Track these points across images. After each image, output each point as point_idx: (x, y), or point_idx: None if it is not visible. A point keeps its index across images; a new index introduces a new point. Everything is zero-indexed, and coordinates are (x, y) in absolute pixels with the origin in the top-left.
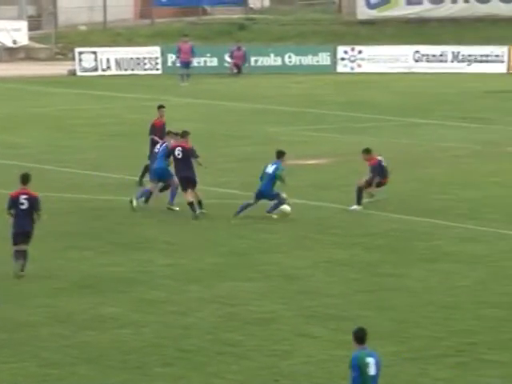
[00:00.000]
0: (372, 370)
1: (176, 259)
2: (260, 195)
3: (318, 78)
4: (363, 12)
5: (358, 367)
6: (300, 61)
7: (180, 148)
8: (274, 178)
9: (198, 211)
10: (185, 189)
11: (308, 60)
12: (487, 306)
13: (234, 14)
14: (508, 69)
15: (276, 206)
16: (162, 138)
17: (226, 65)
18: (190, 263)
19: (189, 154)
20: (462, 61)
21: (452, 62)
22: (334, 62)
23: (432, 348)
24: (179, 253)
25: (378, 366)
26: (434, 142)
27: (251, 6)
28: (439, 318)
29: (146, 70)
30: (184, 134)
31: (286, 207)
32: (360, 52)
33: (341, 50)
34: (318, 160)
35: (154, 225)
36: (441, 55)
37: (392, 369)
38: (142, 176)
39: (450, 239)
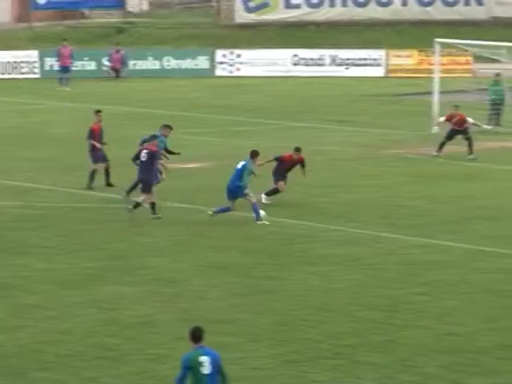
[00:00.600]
0: (206, 369)
1: (54, 263)
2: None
3: (196, 82)
4: (242, 16)
5: (188, 368)
6: (178, 64)
7: (146, 150)
8: (240, 174)
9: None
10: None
11: (187, 64)
12: (363, 309)
13: (113, 18)
14: (385, 72)
15: (223, 211)
16: (100, 143)
17: (104, 68)
18: (68, 267)
19: (153, 157)
20: (340, 64)
21: (330, 65)
22: (213, 66)
23: (310, 351)
24: (57, 257)
25: (214, 364)
26: (312, 146)
27: (130, 9)
28: (317, 320)
29: (23, 73)
30: (152, 138)
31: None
32: (239, 56)
33: (219, 53)
34: (198, 164)
35: (33, 229)
36: (319, 59)
37: (270, 372)
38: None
39: (327, 242)
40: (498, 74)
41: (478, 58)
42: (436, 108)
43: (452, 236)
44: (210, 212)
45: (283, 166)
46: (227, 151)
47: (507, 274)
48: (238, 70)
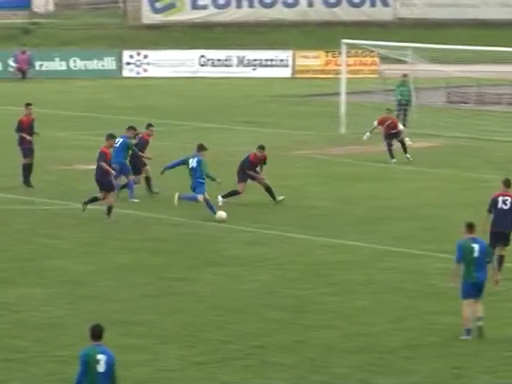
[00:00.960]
0: (101, 367)
1: None
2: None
3: (103, 83)
4: (148, 16)
5: (86, 363)
6: (85, 65)
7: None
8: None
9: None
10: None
11: (93, 65)
12: (272, 309)
13: (19, 19)
14: (292, 73)
15: (189, 198)
16: (30, 135)
17: (10, 69)
18: None
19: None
20: (248, 65)
21: (237, 66)
22: (120, 67)
23: (219, 352)
24: None
25: (108, 364)
26: (221, 147)
27: (36, 10)
28: (226, 321)
29: None
30: (108, 138)
31: (222, 214)
32: (146, 56)
33: (126, 54)
34: None
35: None
36: (226, 60)
37: (179, 373)
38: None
39: (236, 243)
40: (404, 75)
41: (385, 59)
42: (343, 109)
43: (360, 236)
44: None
45: (250, 166)
46: None
47: (413, 274)
48: (146, 70)
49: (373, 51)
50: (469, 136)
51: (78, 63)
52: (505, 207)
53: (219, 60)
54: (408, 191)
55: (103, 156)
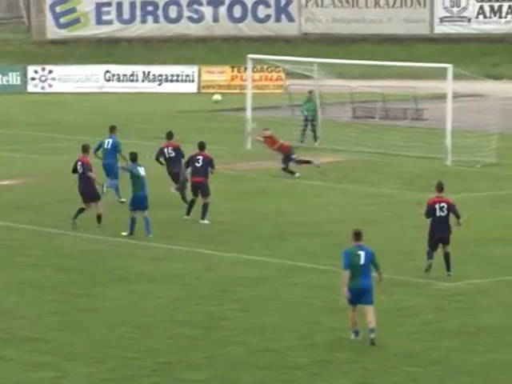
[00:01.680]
0: None
1: None
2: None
3: (8, 98)
4: (53, 32)
5: None
6: None
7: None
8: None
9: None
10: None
11: None
12: (181, 325)
13: None
14: (198, 88)
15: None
16: None
17: None
18: None
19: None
20: (153, 80)
21: (143, 81)
22: (25, 82)
23: (127, 368)
24: None
25: None
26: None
27: None
28: (134, 338)
29: None
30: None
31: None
32: (51, 72)
33: (31, 69)
34: (11, 181)
35: None
36: (131, 75)
37: None
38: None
39: (144, 259)
40: (310, 91)
41: (290, 74)
42: (249, 124)
43: (267, 251)
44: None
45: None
46: (41, 168)
47: (320, 289)
48: (51, 86)
49: (278, 66)
50: (374, 151)
51: None
52: (442, 214)
53: (125, 75)
54: (314, 207)
55: (88, 167)
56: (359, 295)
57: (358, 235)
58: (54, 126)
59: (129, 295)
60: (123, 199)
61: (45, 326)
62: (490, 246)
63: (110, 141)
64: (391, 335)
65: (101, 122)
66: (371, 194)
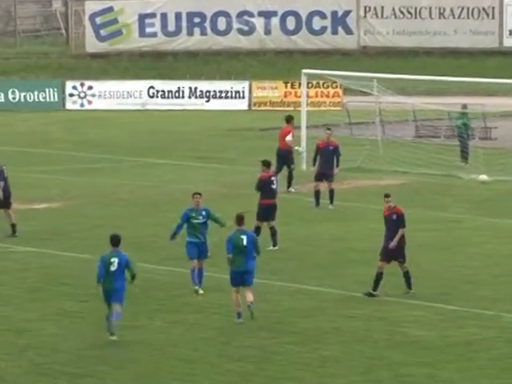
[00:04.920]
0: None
1: None
2: None
3: (45, 116)
4: (93, 44)
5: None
6: (25, 97)
7: None
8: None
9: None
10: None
11: (34, 96)
12: (232, 360)
13: None
14: (249, 105)
15: None
16: None
17: None
18: None
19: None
20: (201, 97)
21: (189, 98)
22: (63, 98)
23: None
24: None
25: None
26: (172, 184)
27: None
28: (182, 373)
29: None
30: None
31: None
32: (90, 88)
33: (69, 85)
34: (49, 204)
35: None
36: (177, 91)
37: None
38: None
39: (191, 288)
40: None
41: (348, 90)
42: (304, 143)
43: (323, 281)
44: None
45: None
46: (79, 190)
47: (381, 321)
48: (90, 103)
49: (335, 82)
50: (440, 173)
51: (16, 95)
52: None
53: (170, 91)
54: (371, 232)
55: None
56: (243, 277)
57: (240, 219)
58: (93, 145)
59: (175, 326)
60: None
61: (86, 360)
62: None
63: None
64: (461, 371)
65: (144, 142)
66: (436, 219)
